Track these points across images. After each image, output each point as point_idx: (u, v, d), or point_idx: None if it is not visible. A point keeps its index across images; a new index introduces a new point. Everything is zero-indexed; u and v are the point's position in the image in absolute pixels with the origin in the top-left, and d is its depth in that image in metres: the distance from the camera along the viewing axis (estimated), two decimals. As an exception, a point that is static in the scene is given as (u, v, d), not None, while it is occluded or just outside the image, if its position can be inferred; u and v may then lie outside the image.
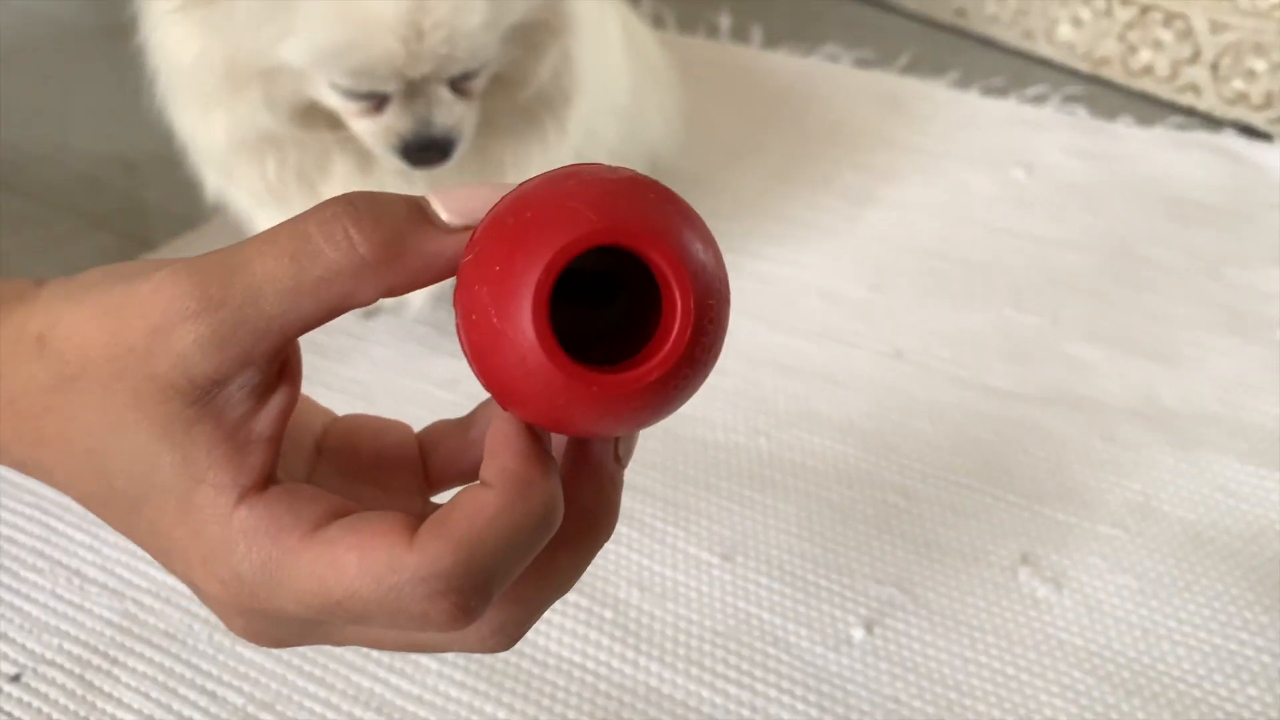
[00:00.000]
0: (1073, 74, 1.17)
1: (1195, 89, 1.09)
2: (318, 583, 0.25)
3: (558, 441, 0.29)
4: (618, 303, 0.27)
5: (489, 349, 0.24)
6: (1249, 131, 1.05)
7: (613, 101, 0.78)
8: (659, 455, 0.71)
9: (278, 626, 0.28)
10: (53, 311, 0.27)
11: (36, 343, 0.27)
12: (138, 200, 0.97)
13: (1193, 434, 0.72)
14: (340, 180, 0.70)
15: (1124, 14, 1.11)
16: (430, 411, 0.72)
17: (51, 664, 0.58)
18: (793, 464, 0.70)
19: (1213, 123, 1.07)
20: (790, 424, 0.73)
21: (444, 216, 0.26)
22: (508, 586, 0.26)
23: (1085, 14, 1.14)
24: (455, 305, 0.25)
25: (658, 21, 1.26)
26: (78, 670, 0.58)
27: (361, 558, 0.25)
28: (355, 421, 0.33)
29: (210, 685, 0.57)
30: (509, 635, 0.28)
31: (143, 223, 0.95)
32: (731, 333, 0.83)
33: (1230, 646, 0.59)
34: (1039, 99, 1.11)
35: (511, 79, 0.67)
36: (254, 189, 0.70)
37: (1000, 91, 1.13)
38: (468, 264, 0.25)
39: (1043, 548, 0.65)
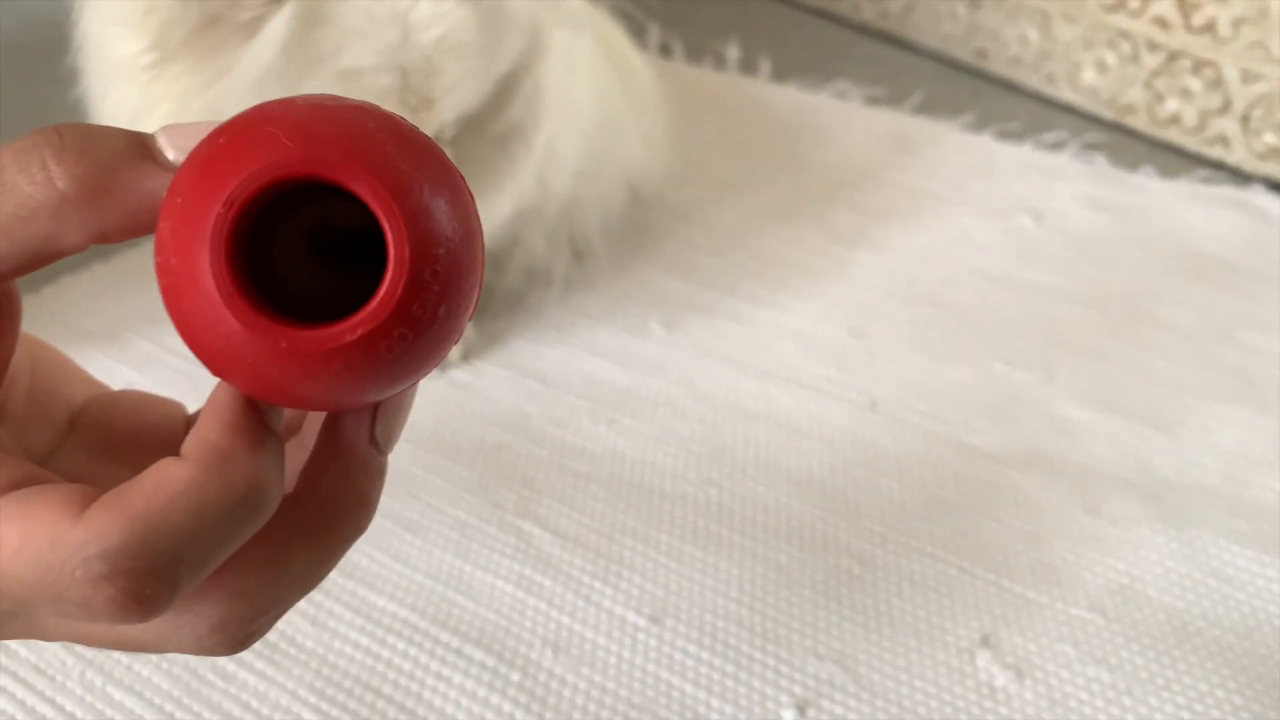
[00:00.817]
0: (1095, 121, 1.11)
1: (1224, 141, 1.02)
2: None
3: (316, 421, 0.26)
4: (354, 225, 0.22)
5: (174, 296, 0.21)
6: (1279, 188, 0.98)
7: (575, 119, 0.74)
8: (598, 500, 0.66)
9: None
10: None
11: None
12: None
13: (1188, 510, 0.65)
14: None
15: (1151, 60, 1.05)
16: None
17: (-101, 695, 0.54)
18: (742, 519, 0.64)
19: (1241, 177, 1.01)
20: (745, 475, 0.67)
21: (169, 154, 0.23)
22: (218, 578, 0.23)
23: (1111, 59, 1.08)
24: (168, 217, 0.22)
25: (665, 51, 1.22)
26: (-75, 704, 0.53)
27: (23, 533, 0.22)
28: (120, 397, 0.30)
29: (69, 729, 0.52)
30: (231, 636, 0.24)
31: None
32: (695, 375, 0.77)
33: (1210, 757, 0.52)
34: (1056, 145, 1.05)
35: (484, 114, 0.65)
36: None
37: (1016, 136, 1.07)
38: (163, 200, 0.22)
39: (1007, 629, 0.58)
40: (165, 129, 0.23)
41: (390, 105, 0.53)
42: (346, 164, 0.20)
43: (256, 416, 0.23)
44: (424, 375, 0.23)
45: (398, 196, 0.20)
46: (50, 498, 0.22)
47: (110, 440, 0.28)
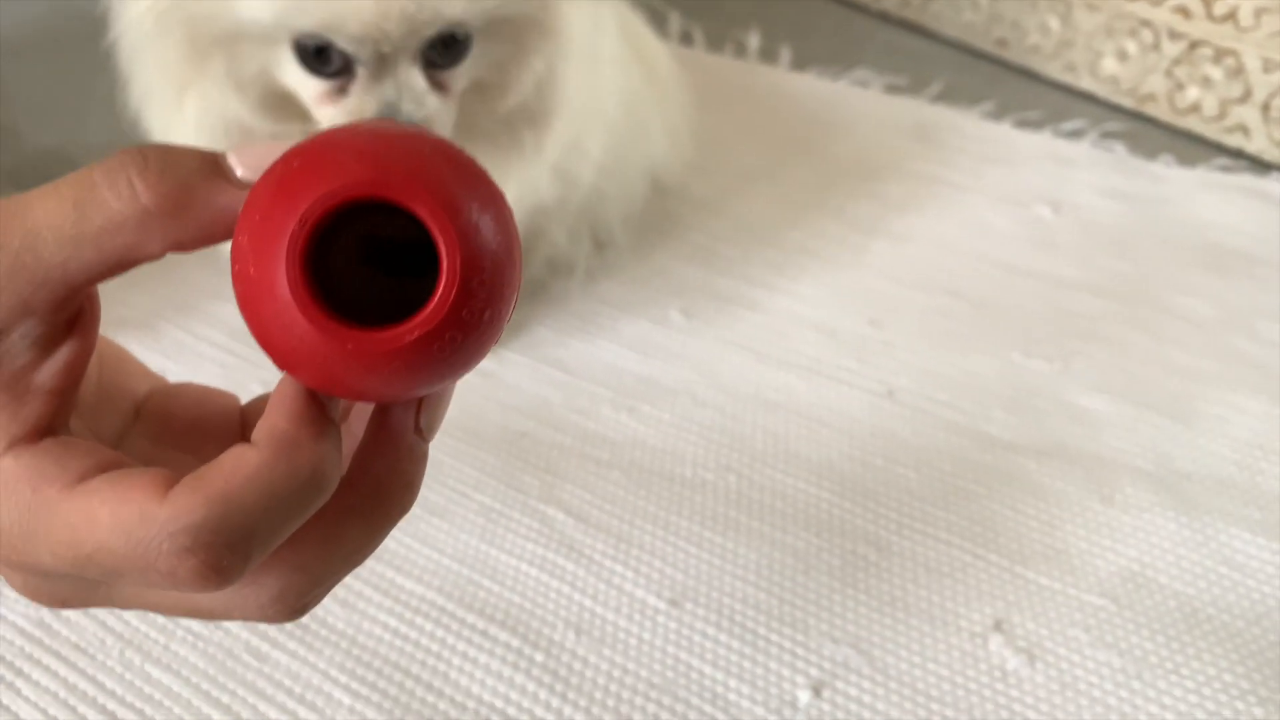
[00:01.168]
0: (1115, 110, 1.11)
1: (1244, 130, 1.02)
2: (70, 534, 0.25)
3: (363, 411, 0.29)
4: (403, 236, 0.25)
5: (250, 302, 0.24)
6: (1300, 177, 0.98)
7: (601, 114, 0.75)
8: (620, 487, 0.67)
9: (50, 582, 0.27)
10: None
11: None
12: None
13: (1202, 499, 0.66)
14: None
15: (1172, 49, 1.05)
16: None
17: (-51, 671, 0.56)
18: (760, 505, 0.66)
19: (1261, 166, 1.01)
20: (764, 463, 0.69)
21: (239, 172, 0.26)
22: (280, 552, 0.26)
23: (1132, 48, 1.08)
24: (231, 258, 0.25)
25: (685, 39, 1.22)
26: (-26, 679, 0.55)
27: (115, 510, 0.24)
28: (179, 388, 0.32)
29: (111, 705, 0.55)
30: (290, 606, 0.27)
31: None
32: (715, 364, 0.78)
33: (1218, 740, 0.53)
34: (1075, 134, 1.06)
35: (492, 84, 0.64)
36: None
37: (1035, 125, 1.07)
38: (240, 217, 0.24)
39: (1020, 614, 0.59)
40: (235, 150, 0.26)
41: None
42: (407, 186, 0.23)
43: (319, 408, 0.26)
44: (468, 371, 0.25)
45: (451, 216, 0.23)
46: (137, 479, 0.24)
47: (173, 429, 0.31)
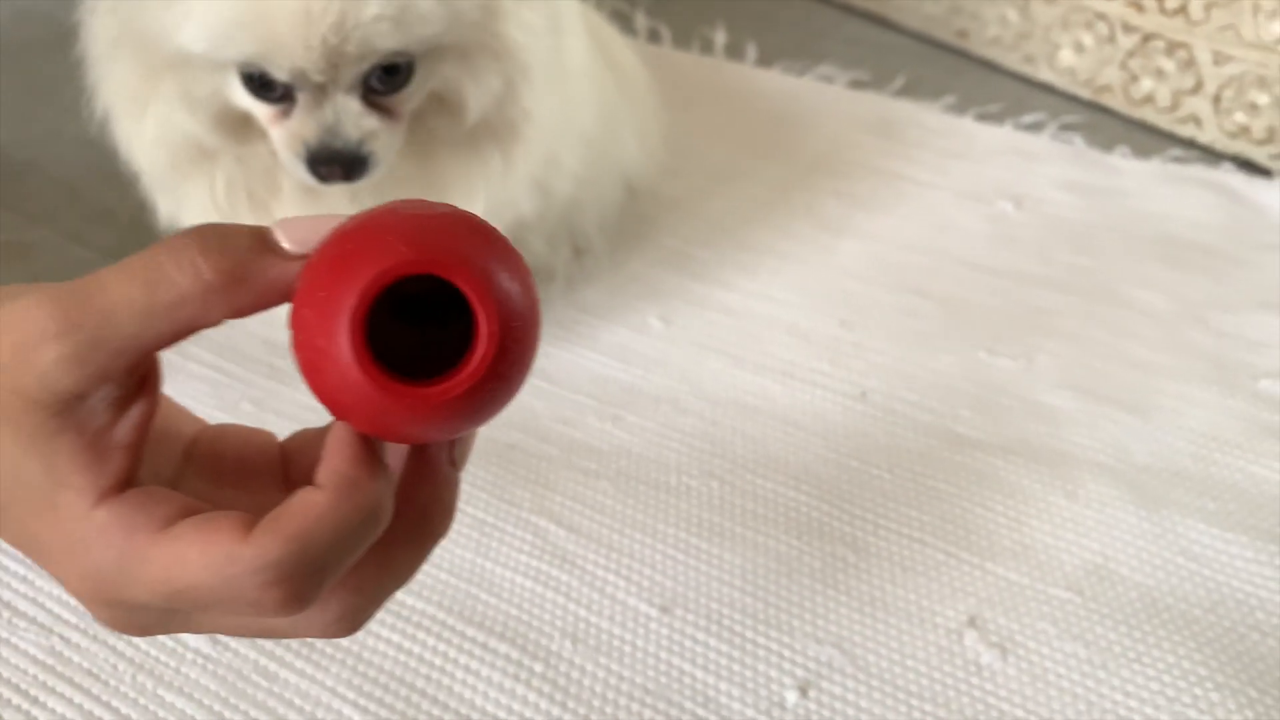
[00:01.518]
0: (1073, 100, 1.14)
1: (1196, 120, 1.06)
2: (165, 573, 0.28)
3: (400, 448, 0.32)
4: (459, 321, 0.29)
5: (315, 366, 0.28)
6: (1249, 166, 1.02)
7: (576, 127, 0.77)
8: (608, 497, 0.70)
9: (137, 615, 0.30)
10: None
11: None
12: (113, 213, 0.97)
13: (1159, 492, 0.69)
14: (290, 198, 0.69)
15: (1126, 41, 1.08)
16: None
17: (-32, 703, 0.58)
18: (743, 511, 0.69)
19: (1213, 156, 1.04)
20: (745, 468, 0.72)
21: (285, 245, 0.29)
22: (342, 577, 0.30)
23: (1088, 40, 1.11)
24: (289, 325, 0.28)
25: (653, 36, 1.24)
26: (-7, 710, 0.57)
27: (203, 551, 0.28)
28: (223, 430, 0.36)
29: (127, 729, 0.57)
30: (351, 622, 0.31)
31: (116, 236, 0.94)
32: (694, 370, 0.81)
33: (1177, 725, 0.56)
34: (1035, 126, 1.09)
35: (450, 101, 0.66)
36: (206, 211, 0.69)
37: (996, 118, 1.10)
38: (299, 290, 0.28)
39: (991, 610, 0.62)
40: (280, 225, 0.30)
41: (295, 16, 0.55)
42: (449, 264, 0.27)
43: (372, 451, 0.30)
44: (497, 415, 0.29)
45: (487, 287, 0.27)
46: (220, 523, 0.28)
47: (223, 468, 0.34)
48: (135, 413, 0.30)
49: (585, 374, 0.79)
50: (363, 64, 0.59)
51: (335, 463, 0.29)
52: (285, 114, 0.62)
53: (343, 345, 0.27)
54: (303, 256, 0.29)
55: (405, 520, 0.31)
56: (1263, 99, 1.00)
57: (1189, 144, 1.06)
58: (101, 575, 0.29)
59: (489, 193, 0.70)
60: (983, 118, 1.11)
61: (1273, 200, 0.97)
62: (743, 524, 0.68)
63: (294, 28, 0.56)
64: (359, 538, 0.29)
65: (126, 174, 0.72)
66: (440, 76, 0.64)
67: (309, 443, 0.35)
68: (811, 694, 0.58)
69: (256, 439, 0.36)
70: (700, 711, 0.58)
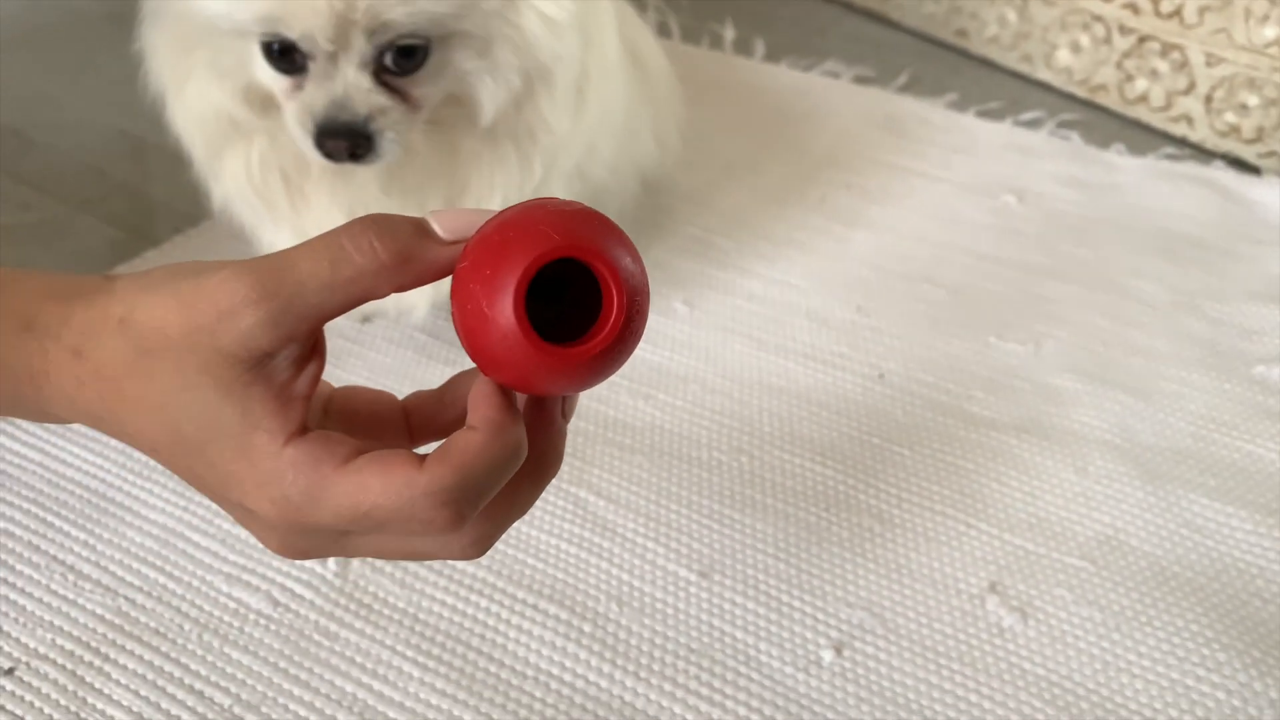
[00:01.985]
0: (1069, 99, 1.18)
1: (1189, 120, 1.10)
2: (350, 499, 0.33)
3: (519, 401, 0.38)
4: (565, 299, 0.34)
5: (480, 330, 0.33)
6: (1238, 164, 1.07)
7: (615, 121, 0.80)
8: (645, 470, 0.73)
9: (309, 538, 0.35)
10: (129, 300, 0.35)
11: (119, 324, 0.34)
12: (142, 193, 0.99)
13: (1164, 469, 0.74)
14: (320, 180, 0.71)
15: (1122, 43, 1.13)
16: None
17: (45, 659, 0.60)
18: (773, 484, 0.72)
19: (1204, 154, 1.09)
20: (772, 444, 0.75)
21: (441, 233, 0.35)
22: (486, 505, 0.34)
23: (1084, 40, 1.16)
24: (453, 298, 0.34)
25: (663, 30, 1.27)
26: (70, 666, 0.60)
27: (384, 479, 0.33)
28: (354, 390, 0.41)
29: (198, 685, 0.59)
30: (482, 545, 0.36)
31: (146, 216, 0.96)
32: (722, 351, 0.85)
33: (1187, 682, 0.60)
34: (1034, 123, 1.13)
35: (466, 100, 0.67)
36: (241, 189, 0.72)
37: (996, 115, 1.14)
38: (464, 269, 0.34)
39: (1010, 577, 0.66)
40: (434, 215, 0.35)
41: None
42: (588, 248, 0.33)
43: (513, 401, 0.35)
44: (617, 371, 0.35)
45: (617, 269, 0.33)
46: (396, 457, 0.33)
47: (356, 421, 0.40)
48: (311, 370, 0.35)
49: (616, 354, 0.82)
50: (375, 38, 0.60)
51: (485, 410, 0.34)
52: (298, 86, 0.63)
53: (507, 312, 0.32)
54: (455, 243, 0.35)
55: (529, 461, 0.36)
56: (1253, 100, 1.05)
57: (1181, 142, 1.11)
58: (290, 502, 0.33)
59: (506, 192, 0.71)
60: (983, 114, 1.15)
61: (1262, 197, 1.02)
62: (773, 496, 0.71)
63: None
64: (506, 469, 0.34)
65: (155, 157, 0.74)
66: (458, 69, 0.64)
67: (425, 402, 0.41)
68: (846, 653, 0.62)
69: (382, 397, 0.41)
70: (743, 669, 0.61)
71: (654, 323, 0.85)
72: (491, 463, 0.33)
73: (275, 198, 0.72)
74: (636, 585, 0.66)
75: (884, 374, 0.81)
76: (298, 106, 0.63)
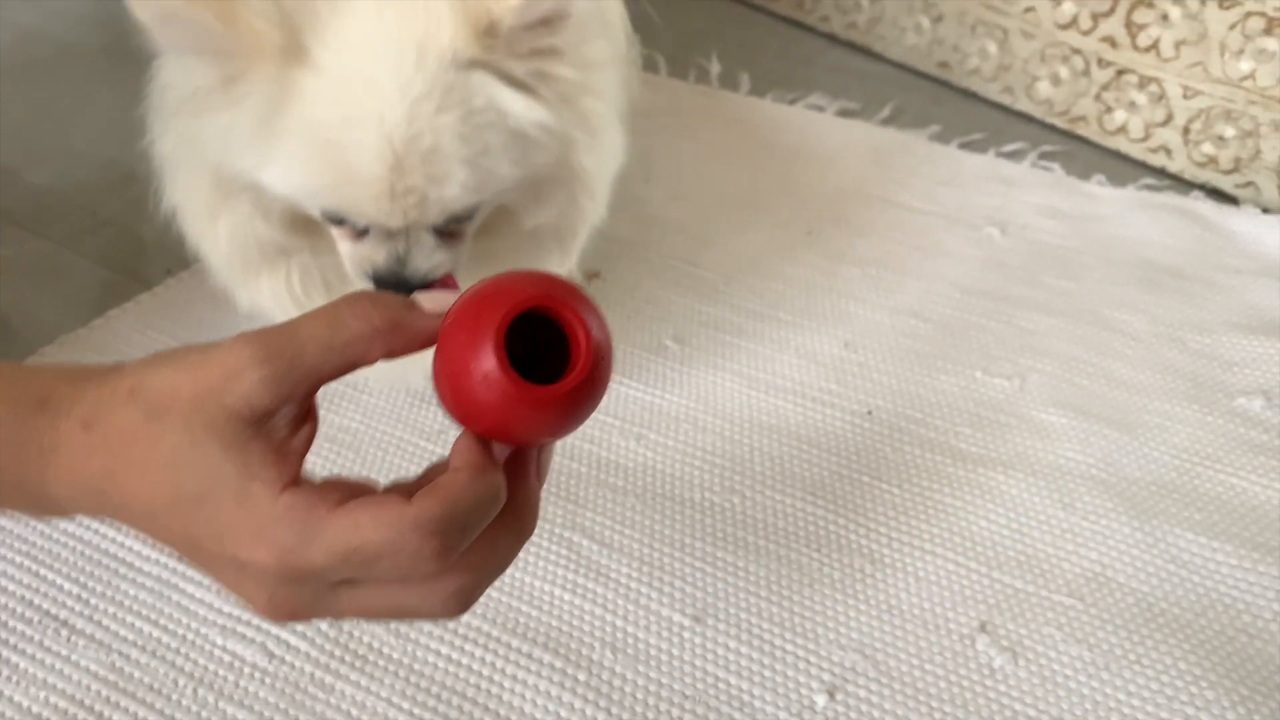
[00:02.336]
0: (1049, 130, 1.20)
1: (1167, 150, 1.12)
2: (342, 535, 0.35)
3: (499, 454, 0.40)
4: (537, 363, 0.37)
5: (462, 375, 0.36)
6: (1216, 194, 1.08)
7: (612, 169, 0.77)
8: (635, 512, 0.73)
9: (299, 589, 0.36)
10: (139, 373, 0.37)
11: (129, 394, 0.37)
12: (133, 232, 0.99)
13: (1149, 504, 0.74)
14: (364, 287, 0.66)
15: (1101, 75, 1.14)
16: (415, 463, 0.74)
17: (38, 718, 0.60)
18: (765, 525, 0.73)
19: (1183, 184, 1.10)
20: (765, 484, 0.76)
21: (426, 307, 0.39)
22: (460, 557, 0.36)
23: (1064, 72, 1.17)
24: (435, 358, 0.37)
25: (649, 64, 1.28)
26: (66, 724, 0.60)
27: (374, 514, 0.35)
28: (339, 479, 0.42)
29: (194, 740, 0.59)
30: (463, 600, 0.38)
31: (138, 256, 0.96)
32: (710, 390, 0.85)
33: (1176, 720, 0.61)
34: (1016, 155, 1.14)
35: (514, 212, 0.66)
36: (282, 302, 0.70)
37: (979, 146, 1.16)
38: (447, 326, 0.37)
39: (1000, 616, 0.67)
40: (419, 295, 0.39)
41: (379, 188, 0.55)
42: (558, 298, 0.37)
43: (491, 449, 0.38)
44: (583, 422, 0.38)
45: (585, 319, 0.37)
46: (386, 495, 0.36)
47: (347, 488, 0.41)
48: (306, 430, 0.39)
49: (607, 394, 0.82)
50: (440, 221, 0.60)
51: (468, 455, 0.37)
52: (358, 236, 0.61)
53: (488, 354, 0.35)
54: (439, 315, 0.38)
55: (507, 513, 0.38)
56: (1229, 131, 1.07)
57: (1160, 172, 1.12)
58: (285, 546, 0.35)
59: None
60: (966, 146, 1.16)
61: (1240, 227, 1.03)
62: (766, 538, 0.72)
63: (377, 199, 0.56)
64: (489, 509, 0.37)
65: (147, 195, 0.70)
66: (508, 202, 0.64)
67: (406, 481, 0.42)
68: (839, 697, 0.63)
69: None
70: (737, 716, 0.61)
71: (645, 360, 0.86)
72: (476, 498, 0.36)
73: (317, 304, 0.69)
74: (630, 631, 0.66)
75: (872, 411, 0.82)
76: (356, 255, 0.62)
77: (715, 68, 1.27)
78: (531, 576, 0.69)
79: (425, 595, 0.37)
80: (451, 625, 0.66)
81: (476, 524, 0.36)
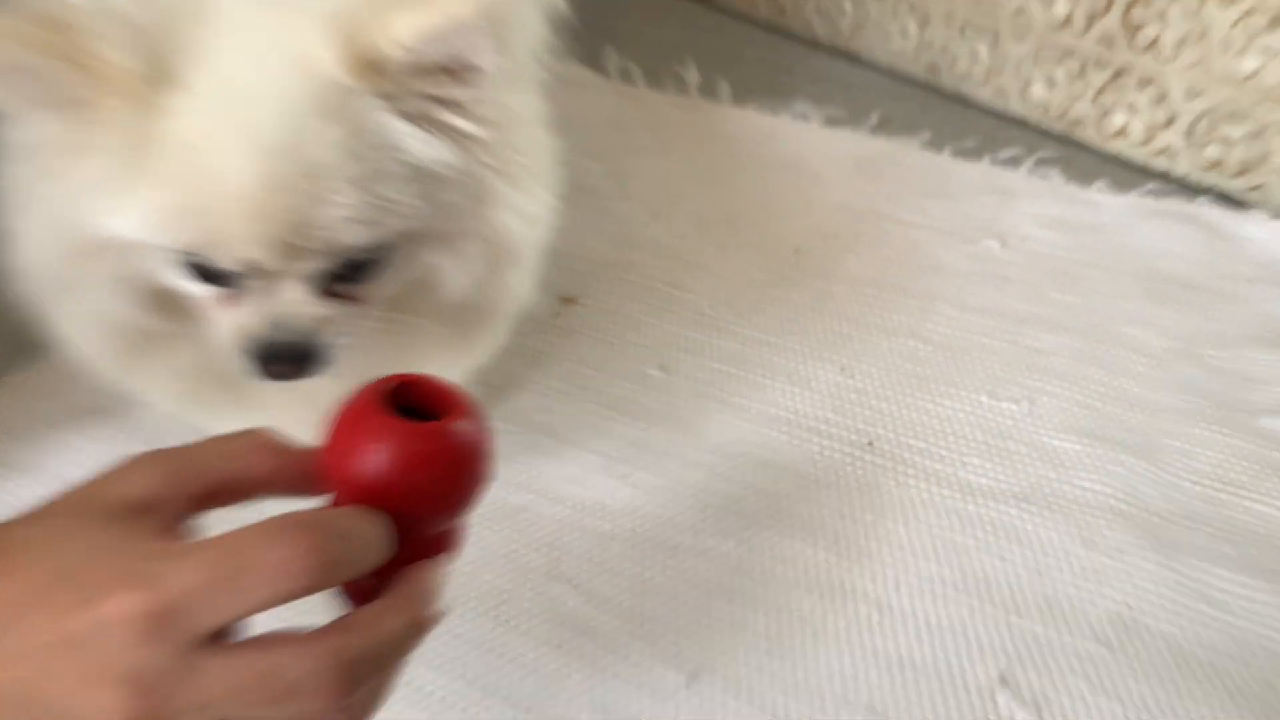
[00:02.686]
0: (1046, 134, 1.15)
1: (1170, 154, 1.07)
2: (251, 667, 0.34)
3: None
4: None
5: (347, 457, 0.38)
6: (1224, 198, 1.04)
7: (543, 178, 0.70)
8: (622, 559, 0.68)
9: (161, 652, 0.33)
10: (24, 514, 0.36)
11: (13, 522, 0.35)
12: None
13: (1176, 537, 0.69)
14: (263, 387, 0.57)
15: (1098, 78, 1.09)
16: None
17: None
18: (762, 571, 0.67)
19: (1188, 189, 1.06)
20: (760, 525, 0.70)
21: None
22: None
23: (1059, 74, 1.12)
24: (320, 462, 0.39)
25: (625, 75, 1.23)
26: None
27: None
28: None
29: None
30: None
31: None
32: (698, 420, 0.79)
33: (1218, 780, 0.56)
34: (1013, 161, 1.09)
35: (426, 283, 0.58)
36: (178, 401, 0.63)
37: (973, 153, 1.11)
38: (327, 432, 0.39)
39: (1022, 667, 0.62)
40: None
41: (250, 207, 0.47)
42: (426, 378, 0.40)
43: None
44: (472, 495, 0.40)
45: (453, 386, 0.40)
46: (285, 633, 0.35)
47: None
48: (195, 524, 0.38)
49: (589, 428, 0.77)
50: (327, 260, 0.51)
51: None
52: (231, 299, 0.53)
53: (375, 414, 0.38)
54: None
55: (395, 597, 0.39)
56: (1236, 132, 1.02)
57: (1164, 177, 1.08)
58: (151, 580, 0.33)
59: (468, 365, 0.65)
60: (959, 153, 1.11)
61: (1251, 233, 0.98)
62: (763, 585, 0.66)
63: (247, 223, 0.48)
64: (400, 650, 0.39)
65: None
66: (419, 263, 0.56)
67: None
68: (850, 763, 0.57)
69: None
70: (739, 787, 0.56)
71: (628, 391, 0.80)
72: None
73: (216, 402, 0.62)
74: (621, 691, 0.60)
75: (873, 441, 0.77)
76: (230, 326, 0.53)
77: (693, 76, 1.21)
78: (512, 633, 0.63)
79: (300, 648, 0.35)
80: (427, 689, 0.60)
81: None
